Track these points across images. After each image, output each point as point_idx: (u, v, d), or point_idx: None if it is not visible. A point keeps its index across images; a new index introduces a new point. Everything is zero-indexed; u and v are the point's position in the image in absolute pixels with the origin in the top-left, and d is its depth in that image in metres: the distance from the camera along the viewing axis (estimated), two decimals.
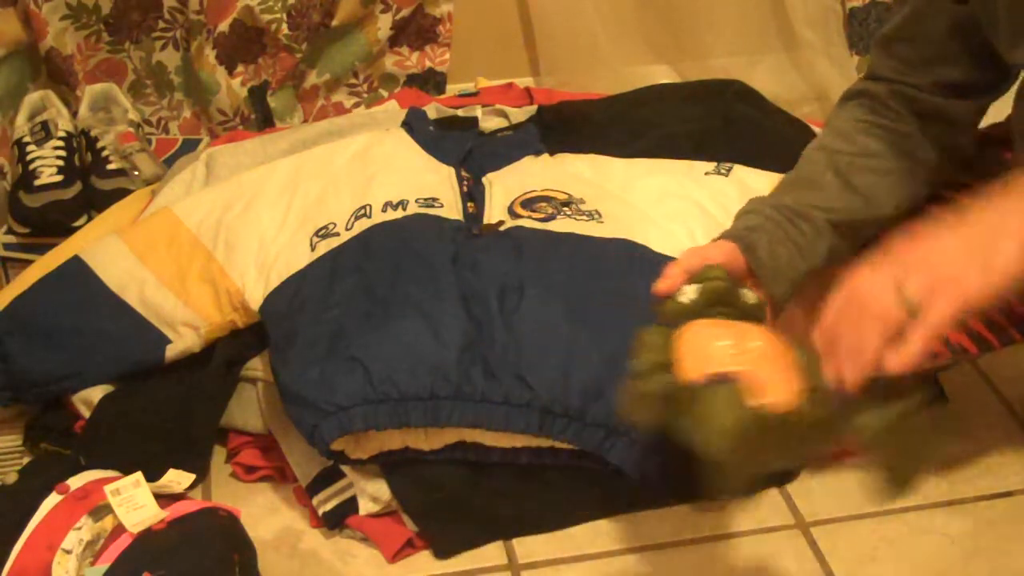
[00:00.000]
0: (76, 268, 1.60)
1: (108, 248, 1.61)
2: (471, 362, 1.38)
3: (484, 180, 1.63)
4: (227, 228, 1.59)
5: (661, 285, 1.18)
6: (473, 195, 1.61)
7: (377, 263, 1.48)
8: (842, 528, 1.45)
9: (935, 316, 0.95)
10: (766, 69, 2.20)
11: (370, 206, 1.56)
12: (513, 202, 1.58)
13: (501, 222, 1.55)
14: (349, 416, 1.35)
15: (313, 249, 1.53)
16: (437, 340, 1.39)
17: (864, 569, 1.40)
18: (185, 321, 1.54)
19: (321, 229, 1.55)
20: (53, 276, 1.61)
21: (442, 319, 1.41)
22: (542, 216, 1.55)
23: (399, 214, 1.55)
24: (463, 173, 1.65)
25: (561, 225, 1.54)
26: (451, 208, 1.57)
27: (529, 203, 1.58)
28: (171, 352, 1.54)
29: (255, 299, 1.51)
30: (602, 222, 1.55)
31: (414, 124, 1.73)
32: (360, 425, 1.35)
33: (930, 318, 0.95)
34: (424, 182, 1.61)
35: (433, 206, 1.56)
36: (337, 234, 1.53)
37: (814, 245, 1.28)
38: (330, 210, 1.57)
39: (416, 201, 1.56)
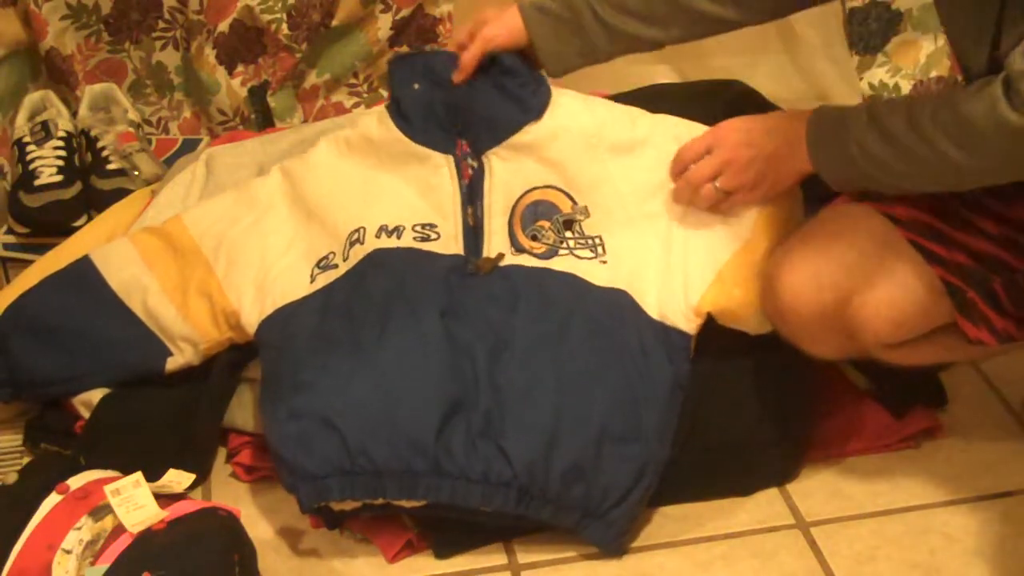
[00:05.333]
0: (85, 269, 1.59)
1: (119, 251, 1.60)
2: (452, 429, 1.35)
3: (484, 160, 1.53)
4: (231, 242, 1.56)
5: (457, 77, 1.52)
6: (473, 189, 1.53)
7: (367, 306, 1.45)
8: (842, 528, 1.45)
9: (731, 203, 1.46)
10: (766, 69, 2.20)
11: (364, 230, 1.51)
12: (514, 209, 1.51)
13: (501, 255, 1.49)
14: (326, 485, 1.35)
15: (312, 281, 1.50)
16: (419, 406, 1.36)
17: (864, 569, 1.40)
18: (184, 336, 1.54)
19: (322, 260, 1.51)
20: (61, 276, 1.60)
21: (426, 380, 1.38)
22: (543, 251, 1.50)
23: (393, 243, 1.50)
24: (463, 147, 1.53)
25: (562, 263, 1.49)
26: (448, 237, 1.51)
27: (531, 219, 1.51)
28: (171, 365, 1.55)
29: (251, 323, 1.50)
30: (605, 260, 1.49)
31: (400, 94, 1.55)
32: (336, 495, 1.35)
33: (729, 202, 1.46)
34: (421, 205, 1.53)
35: (429, 238, 1.51)
36: (336, 266, 1.50)
37: (601, 47, 1.54)
38: (328, 231, 1.53)
39: (413, 228, 1.51)
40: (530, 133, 1.51)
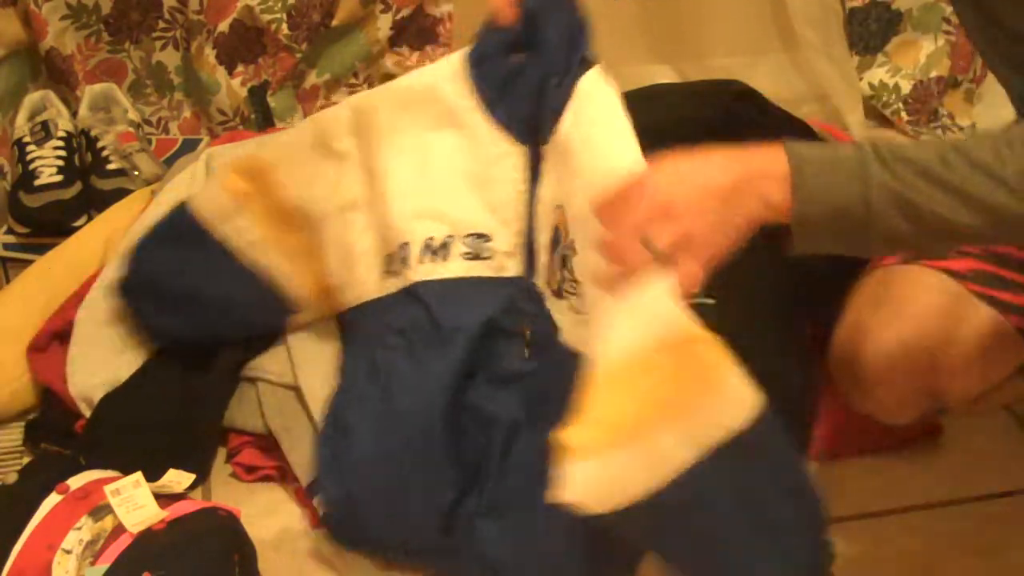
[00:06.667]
0: (190, 222, 1.51)
1: (216, 200, 1.50)
2: (458, 513, 1.33)
3: (542, 154, 1.31)
4: (313, 207, 1.46)
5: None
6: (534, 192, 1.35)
7: (406, 352, 1.39)
8: (842, 528, 1.45)
9: (683, 270, 1.02)
10: (766, 69, 2.20)
11: (409, 246, 1.38)
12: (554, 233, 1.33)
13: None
14: (339, 540, 1.38)
15: (383, 280, 1.44)
16: (432, 489, 1.34)
17: (864, 569, 1.40)
18: (296, 296, 1.51)
19: (387, 258, 1.43)
20: (168, 231, 1.54)
21: (444, 456, 1.34)
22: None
23: (439, 271, 1.36)
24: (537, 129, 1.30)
25: (567, 316, 1.31)
26: (500, 255, 1.35)
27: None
28: (292, 323, 1.53)
29: (342, 301, 1.48)
30: (587, 320, 1.26)
31: (486, 55, 1.32)
32: (348, 546, 1.38)
33: (679, 271, 1.02)
34: (473, 202, 1.36)
35: (480, 256, 1.34)
36: (395, 273, 1.41)
37: None
38: (385, 224, 1.42)
39: (462, 240, 1.36)
40: (559, 130, 1.26)
